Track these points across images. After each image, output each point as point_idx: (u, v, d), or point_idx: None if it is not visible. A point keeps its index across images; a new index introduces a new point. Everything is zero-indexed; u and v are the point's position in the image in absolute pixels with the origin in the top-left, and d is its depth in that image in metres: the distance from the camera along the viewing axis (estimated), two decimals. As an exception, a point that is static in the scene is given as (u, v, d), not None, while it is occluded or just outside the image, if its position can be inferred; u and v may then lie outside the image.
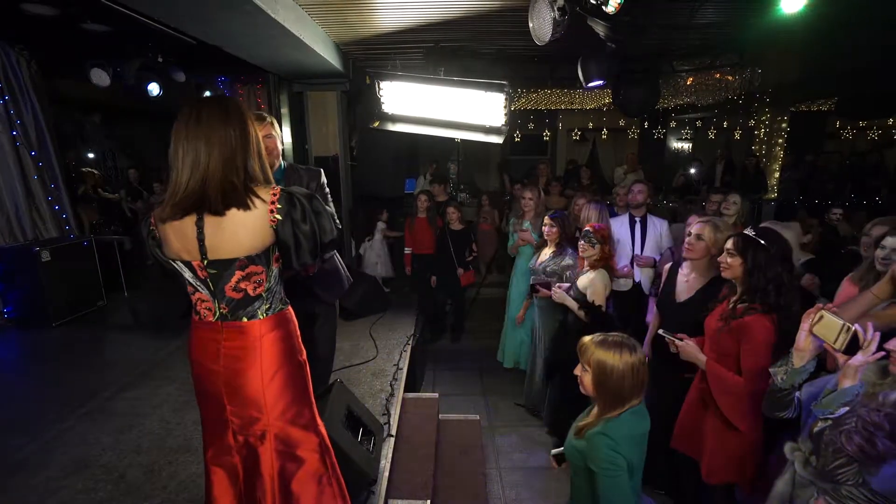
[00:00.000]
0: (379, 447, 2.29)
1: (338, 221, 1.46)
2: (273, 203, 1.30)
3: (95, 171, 6.67)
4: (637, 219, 3.79)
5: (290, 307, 1.48)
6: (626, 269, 3.75)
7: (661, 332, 2.21)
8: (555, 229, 3.34)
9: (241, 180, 1.30)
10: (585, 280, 2.92)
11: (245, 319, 1.36)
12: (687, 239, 2.47)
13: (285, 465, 1.45)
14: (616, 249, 3.76)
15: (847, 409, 1.34)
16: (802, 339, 1.51)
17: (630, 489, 1.47)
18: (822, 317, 1.46)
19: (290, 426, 1.45)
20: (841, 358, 1.40)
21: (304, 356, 1.50)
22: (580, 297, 2.91)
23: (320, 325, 2.64)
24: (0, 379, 3.27)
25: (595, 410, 1.58)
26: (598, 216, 3.45)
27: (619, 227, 3.84)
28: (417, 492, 2.36)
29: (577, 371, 1.58)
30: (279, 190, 1.32)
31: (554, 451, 1.82)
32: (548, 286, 3.12)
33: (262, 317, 1.37)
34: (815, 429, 1.42)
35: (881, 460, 1.24)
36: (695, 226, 2.46)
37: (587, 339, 1.57)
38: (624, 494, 1.45)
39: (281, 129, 2.39)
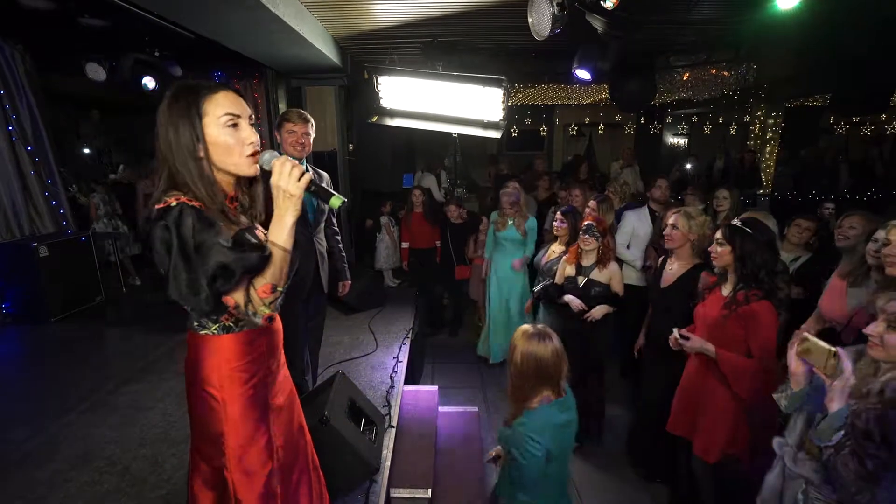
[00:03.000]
0: (381, 438, 2.32)
1: (199, 288, 1.10)
2: (153, 219, 1.11)
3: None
4: (658, 215, 3.70)
5: (231, 336, 1.25)
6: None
7: (675, 330, 2.22)
8: (565, 225, 3.35)
9: (159, 190, 1.17)
10: (607, 274, 2.96)
11: (189, 325, 1.29)
12: (665, 231, 2.63)
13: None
14: (635, 243, 3.76)
15: (843, 432, 1.33)
16: (793, 365, 1.54)
17: (542, 473, 1.59)
18: (806, 339, 1.48)
19: (194, 451, 1.35)
20: (827, 381, 1.42)
21: (213, 398, 1.26)
22: (607, 291, 2.95)
23: (310, 318, 2.72)
24: (0, 374, 3.27)
25: (515, 402, 1.68)
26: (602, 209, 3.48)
27: (638, 221, 3.77)
28: (418, 482, 2.39)
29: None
30: (164, 206, 1.11)
31: (487, 457, 2.01)
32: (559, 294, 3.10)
33: (193, 330, 1.27)
34: (823, 458, 1.40)
35: (877, 480, 1.25)
36: (669, 217, 2.62)
37: (517, 332, 1.70)
38: (531, 476, 1.58)
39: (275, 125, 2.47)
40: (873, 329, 1.35)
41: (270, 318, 1.28)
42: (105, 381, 2.99)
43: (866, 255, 2.13)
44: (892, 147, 9.10)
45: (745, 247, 2.02)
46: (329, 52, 4.22)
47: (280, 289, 1.22)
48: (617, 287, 2.97)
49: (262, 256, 1.16)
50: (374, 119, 4.41)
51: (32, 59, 4.41)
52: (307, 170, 1.24)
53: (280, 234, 1.18)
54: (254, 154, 1.22)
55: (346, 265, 2.91)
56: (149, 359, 3.34)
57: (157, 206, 1.12)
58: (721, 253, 2.08)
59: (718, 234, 2.10)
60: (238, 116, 1.19)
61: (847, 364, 1.38)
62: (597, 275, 2.96)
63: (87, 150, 7.88)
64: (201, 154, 1.17)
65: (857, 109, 6.56)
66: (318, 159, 5.12)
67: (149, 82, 4.83)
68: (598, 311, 2.90)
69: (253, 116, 1.27)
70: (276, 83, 5.14)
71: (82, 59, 4.46)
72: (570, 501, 1.80)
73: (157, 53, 4.68)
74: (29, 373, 3.28)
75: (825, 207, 4.57)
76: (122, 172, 6.77)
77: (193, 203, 1.13)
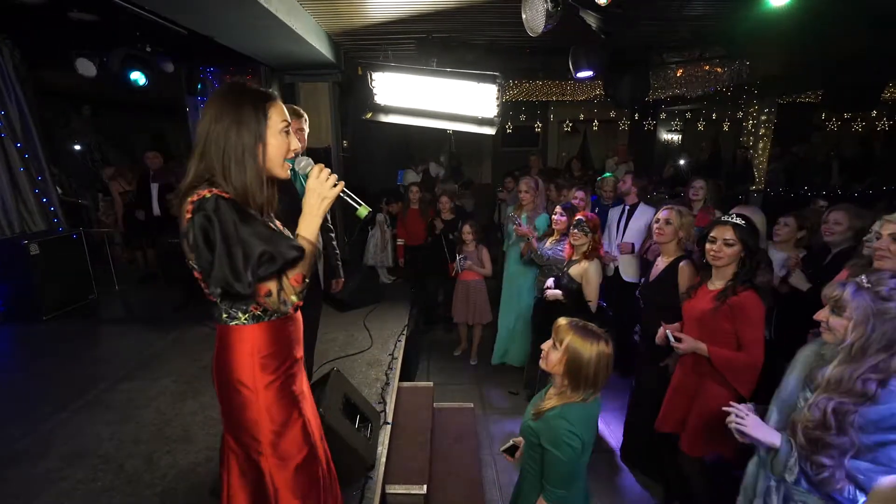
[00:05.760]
0: (376, 434, 2.32)
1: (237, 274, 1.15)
2: (189, 210, 1.16)
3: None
4: (626, 207, 3.87)
5: (258, 325, 1.29)
6: (611, 254, 3.84)
7: (668, 332, 2.22)
8: (564, 219, 3.38)
9: (188, 181, 1.22)
10: (580, 269, 2.99)
11: (217, 318, 1.32)
12: (656, 225, 2.63)
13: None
14: (604, 236, 3.86)
15: (794, 458, 1.44)
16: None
17: (577, 468, 1.57)
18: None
19: (228, 443, 1.38)
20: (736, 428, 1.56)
21: (245, 387, 1.30)
22: (572, 285, 2.98)
23: (304, 315, 2.71)
24: (-7, 373, 3.25)
25: (553, 391, 1.64)
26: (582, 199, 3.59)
27: (613, 215, 3.98)
28: (414, 477, 2.41)
29: (545, 346, 1.65)
30: (198, 198, 1.16)
31: (503, 447, 1.94)
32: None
33: (222, 322, 1.31)
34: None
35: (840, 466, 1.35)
36: (662, 212, 2.63)
37: (564, 321, 1.63)
38: (568, 470, 1.55)
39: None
40: (821, 314, 1.46)
41: (296, 307, 1.34)
42: (99, 380, 2.98)
43: (864, 247, 2.20)
44: (882, 144, 9.19)
45: (752, 244, 2.07)
46: (323, 48, 4.19)
47: (307, 279, 1.32)
48: (586, 287, 2.97)
49: (301, 249, 1.26)
50: (369, 115, 4.40)
51: (21, 53, 4.35)
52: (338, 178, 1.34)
53: (311, 230, 1.31)
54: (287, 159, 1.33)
55: (340, 262, 2.91)
56: (143, 357, 3.32)
57: (190, 199, 1.17)
58: (730, 253, 2.06)
59: (728, 235, 2.06)
60: (288, 124, 1.31)
61: (741, 408, 1.56)
62: (573, 269, 3.02)
63: (77, 147, 7.79)
64: (260, 154, 1.25)
65: (848, 106, 6.62)
66: (312, 156, 5.08)
67: (139, 78, 4.77)
68: (550, 294, 3.06)
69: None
70: (269, 79, 5.09)
71: (72, 53, 4.40)
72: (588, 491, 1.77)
73: (148, 49, 4.62)
74: (22, 371, 3.26)
75: (818, 204, 4.62)
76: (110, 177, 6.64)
77: (225, 195, 1.19)
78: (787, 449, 1.45)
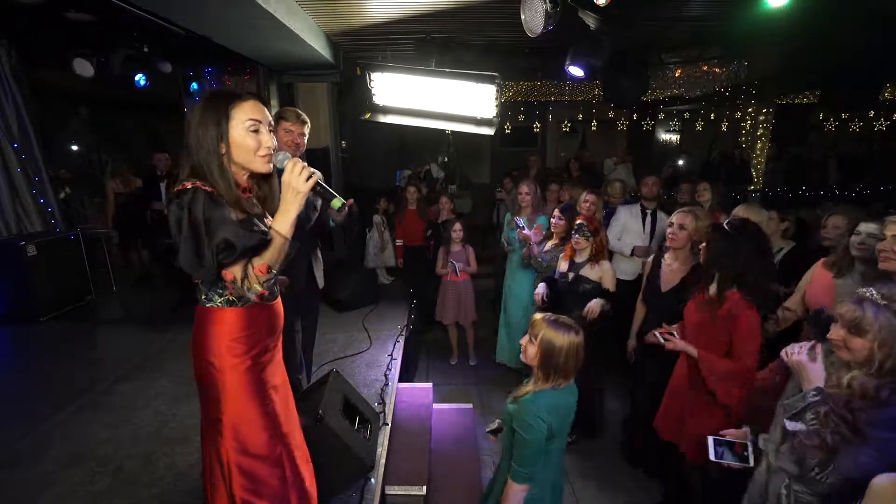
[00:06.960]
0: (375, 435, 2.32)
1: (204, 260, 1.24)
2: (171, 200, 1.27)
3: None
4: (649, 211, 3.83)
5: (233, 309, 1.37)
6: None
7: (657, 332, 2.25)
8: (562, 222, 3.36)
9: (181, 178, 1.31)
10: (598, 272, 2.97)
11: (197, 299, 1.41)
12: (670, 229, 2.59)
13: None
14: (626, 237, 3.80)
15: (810, 411, 1.42)
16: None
17: (543, 450, 1.64)
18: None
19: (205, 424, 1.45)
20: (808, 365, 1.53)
21: (213, 366, 1.37)
22: (596, 289, 2.95)
23: (303, 316, 2.71)
24: (-11, 374, 3.23)
25: (531, 382, 1.74)
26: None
27: (629, 216, 3.87)
28: (413, 479, 2.40)
29: (523, 341, 1.76)
30: (178, 190, 1.26)
31: (489, 428, 2.01)
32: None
33: (201, 303, 1.39)
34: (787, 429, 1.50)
35: (834, 452, 1.35)
36: (676, 216, 2.59)
37: (539, 316, 1.74)
38: (535, 452, 1.63)
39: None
40: (835, 334, 1.43)
41: (263, 297, 1.39)
42: (96, 381, 2.97)
43: (850, 247, 2.19)
44: (880, 144, 9.22)
45: (719, 245, 2.06)
46: (321, 48, 4.19)
47: (274, 271, 1.37)
48: (608, 285, 2.96)
49: (263, 239, 1.31)
50: (367, 116, 4.39)
51: (18, 53, 4.34)
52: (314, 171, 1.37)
53: (284, 223, 1.34)
54: (267, 156, 1.38)
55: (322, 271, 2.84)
56: (140, 358, 3.31)
57: (175, 189, 1.27)
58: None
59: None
60: (259, 122, 1.35)
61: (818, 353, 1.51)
62: (587, 272, 2.98)
63: (75, 147, 7.77)
64: (223, 151, 1.33)
65: (846, 106, 6.65)
66: (310, 156, 5.07)
67: (140, 79, 4.77)
68: (595, 307, 2.84)
69: (272, 123, 1.41)
70: (267, 80, 5.09)
71: (70, 54, 4.38)
72: (562, 484, 1.87)
73: (146, 49, 4.61)
74: (19, 373, 3.24)
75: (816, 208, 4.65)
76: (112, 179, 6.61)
77: (207, 188, 1.27)
78: (811, 393, 1.42)
